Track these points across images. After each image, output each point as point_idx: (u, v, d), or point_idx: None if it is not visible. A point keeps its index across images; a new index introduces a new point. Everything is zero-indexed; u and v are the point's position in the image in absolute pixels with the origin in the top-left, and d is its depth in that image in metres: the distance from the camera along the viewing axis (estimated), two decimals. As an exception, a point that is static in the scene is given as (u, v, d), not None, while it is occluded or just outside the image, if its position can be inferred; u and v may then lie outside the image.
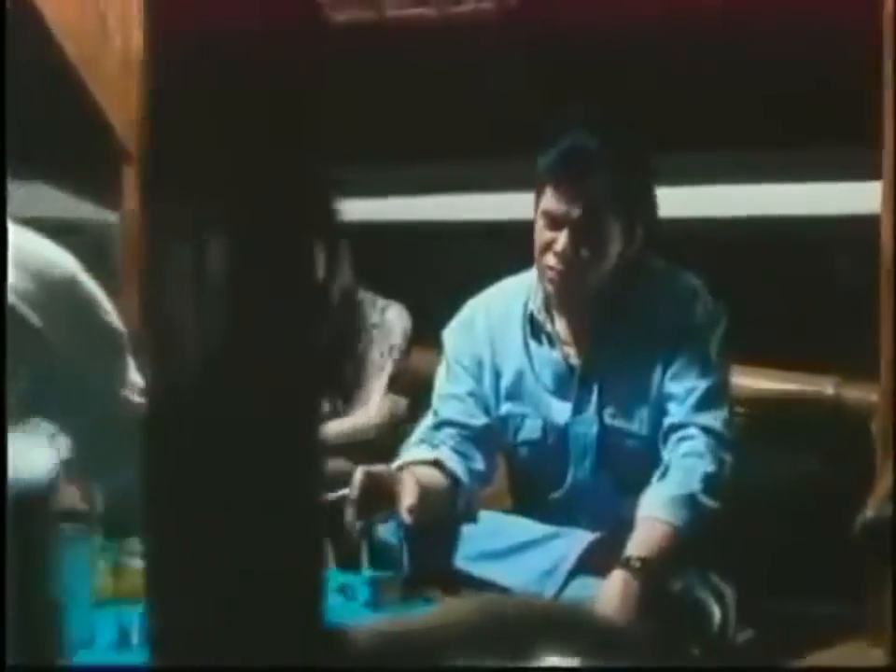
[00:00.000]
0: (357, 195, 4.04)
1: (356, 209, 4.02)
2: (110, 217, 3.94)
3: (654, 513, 2.58)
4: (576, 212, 2.68)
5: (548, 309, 2.82)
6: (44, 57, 3.52)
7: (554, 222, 2.70)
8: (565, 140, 2.73)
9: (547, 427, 2.82)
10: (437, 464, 2.74)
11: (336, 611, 2.34)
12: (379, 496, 2.53)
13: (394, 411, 3.25)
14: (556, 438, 2.81)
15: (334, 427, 3.28)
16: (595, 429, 2.78)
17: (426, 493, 2.65)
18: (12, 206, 3.99)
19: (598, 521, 2.70)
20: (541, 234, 2.72)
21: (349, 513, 2.48)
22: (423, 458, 2.76)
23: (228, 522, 0.98)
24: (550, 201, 2.70)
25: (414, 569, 2.67)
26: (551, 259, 2.71)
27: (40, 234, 3.62)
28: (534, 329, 2.83)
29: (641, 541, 2.55)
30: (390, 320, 3.35)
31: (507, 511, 2.89)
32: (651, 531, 2.57)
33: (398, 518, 2.54)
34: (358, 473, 2.53)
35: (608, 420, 2.78)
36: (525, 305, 2.85)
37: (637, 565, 2.50)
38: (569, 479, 2.83)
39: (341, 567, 2.55)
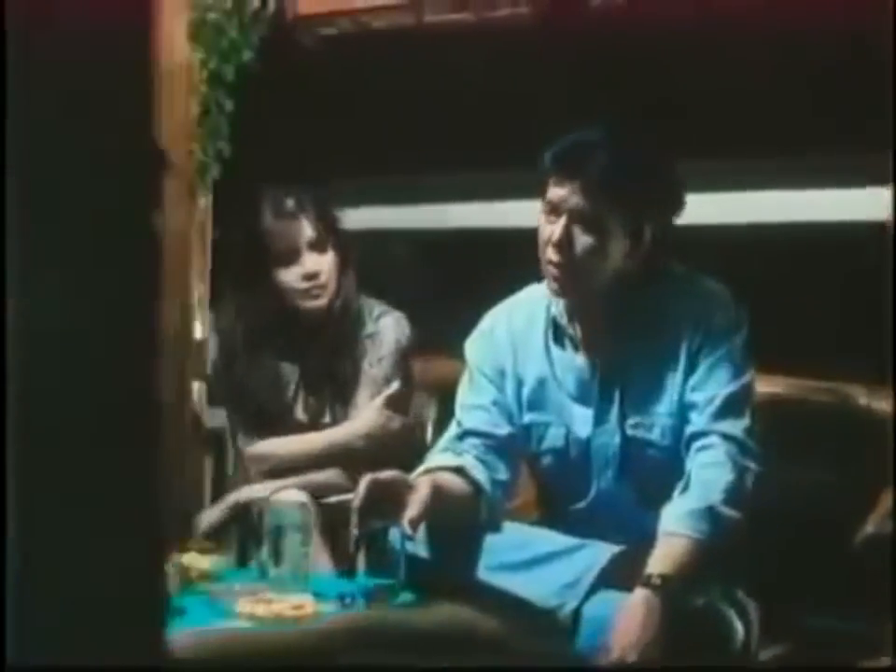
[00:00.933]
0: (389, 202, 4.05)
1: (382, 216, 4.09)
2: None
3: (674, 528, 2.54)
4: (573, 200, 2.65)
5: (570, 313, 2.79)
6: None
7: (553, 211, 2.67)
8: (568, 135, 2.71)
9: (570, 435, 2.79)
10: (460, 471, 2.72)
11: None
12: (383, 505, 2.50)
13: (385, 423, 3.20)
14: (579, 447, 2.79)
15: (320, 437, 3.25)
16: (617, 440, 2.75)
17: (446, 500, 2.64)
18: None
19: (623, 533, 2.66)
20: (543, 230, 2.70)
21: (352, 521, 2.46)
22: (446, 465, 2.74)
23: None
24: (550, 191, 2.68)
25: (435, 578, 2.67)
26: (550, 252, 2.68)
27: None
28: (556, 333, 2.81)
29: (662, 558, 2.51)
30: (383, 330, 3.29)
31: (533, 523, 2.86)
32: (672, 546, 2.53)
33: (399, 528, 2.51)
34: (364, 481, 2.52)
35: (630, 430, 2.74)
36: (548, 309, 2.83)
37: (658, 582, 2.47)
38: (592, 490, 2.80)
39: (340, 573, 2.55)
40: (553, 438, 2.81)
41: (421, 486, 2.54)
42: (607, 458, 2.77)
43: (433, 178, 3.85)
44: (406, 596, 2.52)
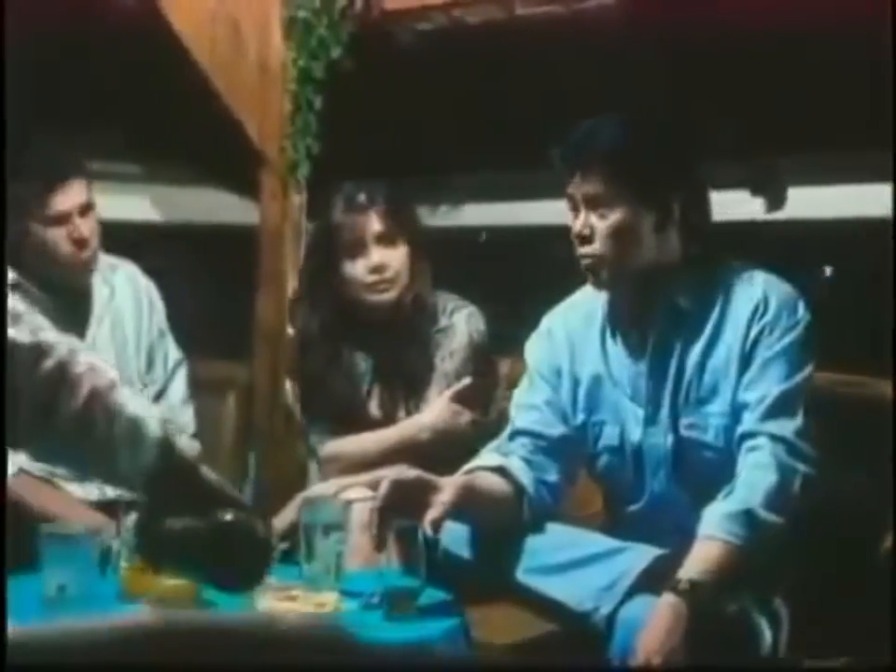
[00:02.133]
0: (484, 198, 4.02)
1: (473, 212, 4.07)
2: (250, 219, 4.00)
3: (711, 531, 2.47)
4: (584, 188, 2.63)
5: (622, 309, 2.73)
6: (172, 64, 3.60)
7: (574, 206, 2.65)
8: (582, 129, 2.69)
9: (624, 435, 2.73)
10: (501, 471, 2.69)
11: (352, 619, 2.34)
12: (406, 505, 2.47)
13: (452, 418, 3.17)
14: (632, 448, 2.73)
15: (389, 434, 3.24)
16: (669, 440, 2.68)
17: (484, 500, 2.62)
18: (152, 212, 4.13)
19: (679, 536, 2.59)
20: (572, 227, 2.65)
21: (372, 521, 2.44)
22: (488, 465, 2.72)
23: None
24: (569, 187, 2.64)
25: (473, 579, 2.64)
26: (578, 246, 2.63)
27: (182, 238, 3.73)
28: (611, 330, 2.75)
29: (694, 562, 2.45)
30: (455, 324, 3.27)
31: (598, 526, 2.81)
32: (706, 551, 2.46)
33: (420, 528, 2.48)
34: (385, 483, 2.50)
35: (683, 431, 2.67)
36: (604, 307, 2.77)
37: (686, 587, 2.40)
38: (646, 492, 2.73)
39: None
40: (608, 437, 2.76)
41: (446, 487, 2.50)
42: (658, 459, 2.70)
43: (530, 175, 3.81)
44: (431, 596, 2.49)
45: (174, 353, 3.59)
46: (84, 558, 2.25)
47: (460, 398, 3.19)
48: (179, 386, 3.59)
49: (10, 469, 3.20)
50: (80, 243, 3.26)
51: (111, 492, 3.34)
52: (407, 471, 2.55)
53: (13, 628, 1.14)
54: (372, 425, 3.29)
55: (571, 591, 2.55)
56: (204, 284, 4.03)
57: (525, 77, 3.64)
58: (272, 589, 2.49)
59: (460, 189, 3.96)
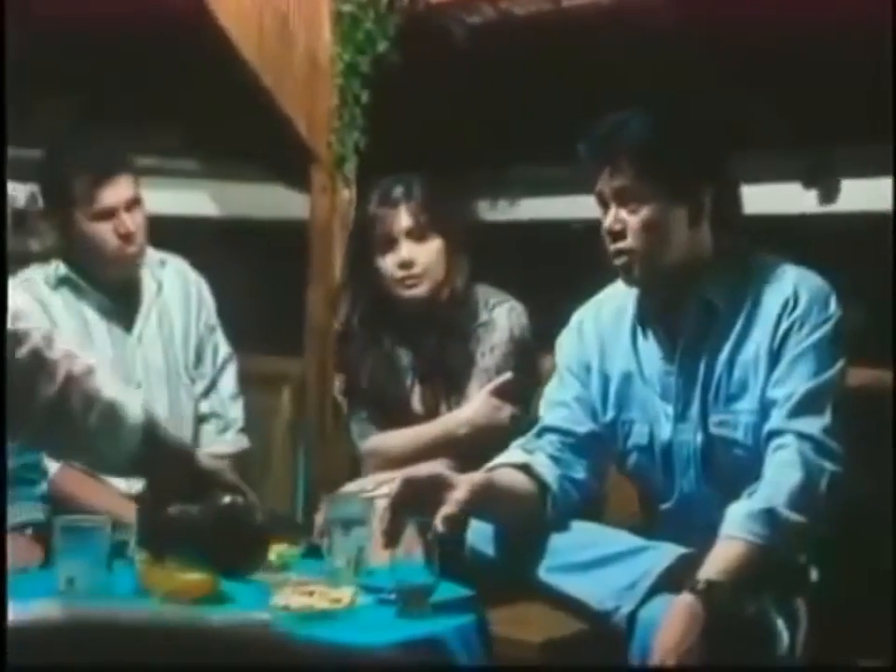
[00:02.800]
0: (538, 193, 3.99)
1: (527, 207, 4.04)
2: (300, 213, 4.01)
3: (732, 531, 2.43)
4: (612, 182, 2.59)
5: (651, 304, 2.69)
6: (222, 60, 3.62)
7: (603, 202, 2.61)
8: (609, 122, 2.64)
9: (653, 433, 2.69)
10: (525, 468, 2.67)
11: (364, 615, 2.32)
12: (419, 503, 2.45)
13: (491, 413, 3.14)
14: (661, 446, 2.69)
15: (427, 429, 3.22)
16: (698, 438, 2.64)
17: (505, 497, 2.60)
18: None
19: (709, 535, 2.54)
20: (603, 223, 2.61)
21: (384, 519, 2.43)
22: (511, 462, 2.70)
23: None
24: (598, 183, 2.61)
25: (497, 577, 2.62)
26: (609, 242, 2.60)
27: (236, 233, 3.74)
28: (642, 327, 2.71)
29: (714, 562, 2.41)
30: (496, 319, 3.24)
31: (633, 525, 2.76)
32: (726, 550, 2.42)
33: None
34: (397, 481, 2.48)
35: (713, 429, 2.63)
36: (635, 303, 2.73)
37: (703, 587, 2.36)
38: (676, 490, 2.69)
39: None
40: (638, 436, 2.73)
41: (461, 485, 2.48)
42: (688, 458, 2.66)
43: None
44: (449, 592, 2.48)
45: (223, 348, 3.61)
46: (95, 551, 2.26)
47: (500, 393, 3.17)
48: (229, 381, 3.62)
49: (56, 462, 3.24)
50: (126, 237, 3.28)
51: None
52: (421, 468, 2.54)
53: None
54: (415, 420, 3.28)
55: (592, 590, 2.53)
56: (261, 279, 4.04)
57: (572, 69, 3.60)
58: (291, 583, 2.51)
59: (510, 182, 3.93)
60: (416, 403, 3.31)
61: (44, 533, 2.92)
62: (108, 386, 2.07)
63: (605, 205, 2.63)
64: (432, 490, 2.47)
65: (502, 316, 3.25)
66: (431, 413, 3.28)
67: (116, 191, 3.26)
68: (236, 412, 3.61)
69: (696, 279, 2.63)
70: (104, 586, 2.25)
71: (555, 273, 3.86)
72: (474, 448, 3.06)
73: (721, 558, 2.40)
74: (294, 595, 2.42)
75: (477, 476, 2.57)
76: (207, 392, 3.58)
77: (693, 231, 2.62)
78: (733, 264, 2.65)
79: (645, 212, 2.58)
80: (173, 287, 3.50)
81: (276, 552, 2.69)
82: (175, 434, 2.33)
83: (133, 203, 3.29)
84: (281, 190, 4.17)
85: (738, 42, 3.34)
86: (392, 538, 2.41)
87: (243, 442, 3.61)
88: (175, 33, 3.59)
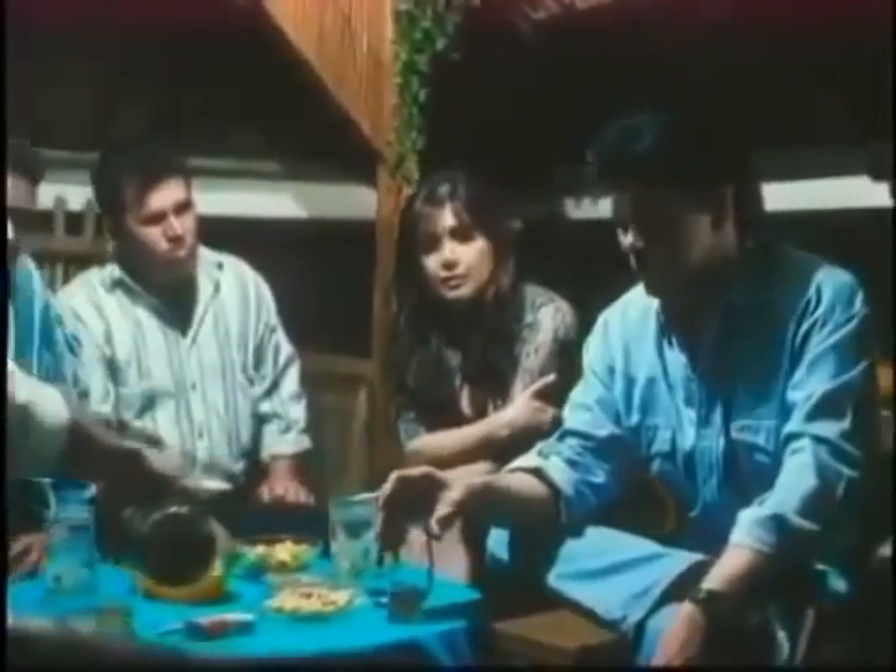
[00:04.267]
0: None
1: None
2: (368, 214, 4.00)
3: (739, 538, 2.34)
4: (631, 205, 2.47)
5: (673, 307, 2.61)
6: (279, 61, 3.63)
7: (620, 212, 2.51)
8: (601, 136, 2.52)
9: (675, 439, 2.61)
10: (537, 472, 2.61)
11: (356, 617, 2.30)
12: (413, 503, 2.41)
13: (533, 415, 3.08)
14: (684, 452, 2.60)
15: (470, 431, 3.17)
16: (721, 444, 2.54)
17: (513, 501, 2.56)
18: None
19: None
20: (623, 241, 2.53)
21: (378, 521, 2.40)
22: (524, 466, 2.65)
23: None
24: (613, 203, 2.52)
25: (506, 582, 2.58)
26: (633, 260, 2.51)
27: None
28: (665, 330, 2.62)
29: (718, 571, 2.33)
30: (540, 319, 3.17)
31: (664, 534, 2.69)
32: (733, 559, 2.33)
33: (426, 531, 2.42)
34: (391, 478, 2.44)
35: (735, 434, 2.53)
36: (661, 304, 2.65)
37: (704, 596, 2.28)
38: (700, 497, 2.60)
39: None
40: (661, 442, 2.64)
41: (456, 486, 2.44)
42: (710, 464, 2.57)
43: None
44: (450, 596, 2.45)
45: (285, 348, 3.62)
46: (81, 551, 2.28)
47: (542, 395, 3.11)
48: (291, 382, 3.63)
49: None
50: (175, 241, 3.31)
51: (210, 486, 3.42)
52: (415, 468, 2.49)
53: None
54: (464, 421, 3.24)
55: (601, 598, 2.46)
56: (340, 280, 4.04)
57: (631, 64, 3.52)
58: (293, 585, 2.50)
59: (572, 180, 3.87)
60: (465, 404, 3.27)
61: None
62: (24, 388, 2.08)
63: (623, 226, 2.54)
64: (425, 490, 2.42)
65: (547, 317, 3.19)
66: (480, 415, 3.24)
67: (165, 195, 3.29)
68: (298, 412, 3.62)
69: (721, 282, 2.53)
70: (88, 585, 2.26)
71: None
72: (516, 450, 3.00)
73: (726, 566, 2.32)
74: (291, 597, 2.41)
75: (472, 479, 2.52)
76: (269, 393, 3.59)
77: (717, 234, 2.51)
78: (758, 264, 2.54)
79: (666, 227, 2.47)
80: (230, 288, 3.52)
81: (291, 552, 2.70)
82: (115, 436, 2.35)
83: (183, 207, 3.32)
84: (357, 190, 4.16)
85: (802, 36, 3.22)
86: (387, 537, 2.38)
87: (304, 443, 3.61)
88: (240, 35, 3.61)
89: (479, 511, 2.51)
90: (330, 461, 3.91)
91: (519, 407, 3.13)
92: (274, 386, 3.61)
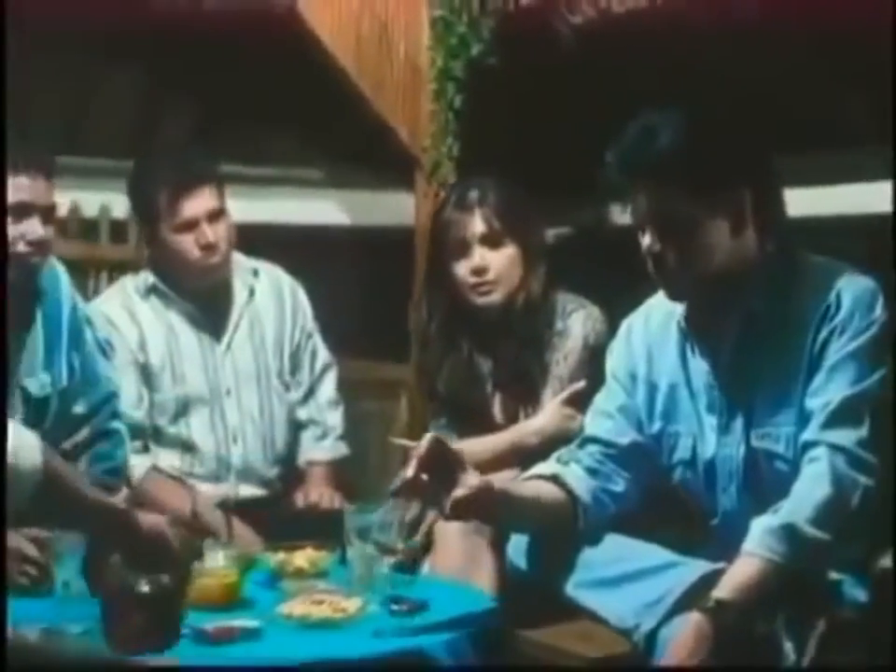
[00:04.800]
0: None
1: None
2: (407, 220, 4.00)
3: (750, 547, 2.31)
4: (647, 201, 2.45)
5: (695, 313, 2.57)
6: (317, 69, 3.64)
7: (640, 221, 2.48)
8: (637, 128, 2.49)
9: (696, 447, 2.58)
10: (554, 479, 2.59)
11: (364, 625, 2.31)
12: (441, 465, 2.40)
13: (562, 422, 3.05)
14: (704, 460, 2.57)
15: (499, 438, 3.15)
16: (741, 451, 2.51)
17: (528, 507, 2.55)
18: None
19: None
20: (641, 243, 2.50)
21: (409, 468, 2.39)
22: (541, 473, 2.63)
23: None
24: (631, 207, 2.49)
25: (525, 591, 2.56)
26: (650, 264, 2.48)
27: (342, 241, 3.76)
28: (690, 335, 2.59)
29: (728, 580, 2.30)
30: (570, 326, 3.15)
31: (687, 541, 2.65)
32: (743, 568, 2.31)
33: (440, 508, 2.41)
34: (428, 436, 2.44)
35: (755, 442, 2.50)
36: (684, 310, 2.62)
37: (713, 606, 2.25)
38: (720, 506, 2.57)
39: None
40: (683, 449, 2.61)
41: (472, 473, 2.42)
42: (730, 472, 2.54)
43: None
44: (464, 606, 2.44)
45: (322, 354, 3.63)
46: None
47: (572, 402, 3.09)
48: (328, 388, 3.64)
49: (144, 466, 3.31)
50: (207, 248, 3.33)
51: (244, 491, 3.44)
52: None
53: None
54: (496, 428, 3.23)
55: (614, 607, 2.45)
56: (381, 285, 4.05)
57: (666, 67, 3.49)
58: (306, 592, 2.50)
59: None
60: (497, 411, 3.26)
61: None
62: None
63: (641, 229, 2.51)
64: (452, 465, 2.41)
65: (577, 323, 3.17)
66: (511, 422, 3.22)
67: (198, 202, 3.31)
68: (335, 419, 3.63)
69: (741, 287, 2.50)
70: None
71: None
72: (546, 457, 2.98)
73: (736, 576, 2.30)
74: (302, 604, 2.41)
75: (485, 477, 2.50)
76: (306, 399, 3.60)
77: (737, 239, 2.47)
78: (778, 270, 2.50)
79: (682, 229, 2.44)
80: (265, 294, 3.53)
81: (309, 559, 2.70)
82: (98, 491, 2.38)
83: (216, 214, 3.33)
84: (396, 196, 4.17)
85: (827, 37, 3.18)
86: (411, 489, 2.39)
87: (341, 449, 3.62)
88: (278, 43, 3.63)
89: (494, 512, 2.48)
90: (372, 467, 3.91)
91: (549, 414, 3.12)
92: (311, 392, 3.62)
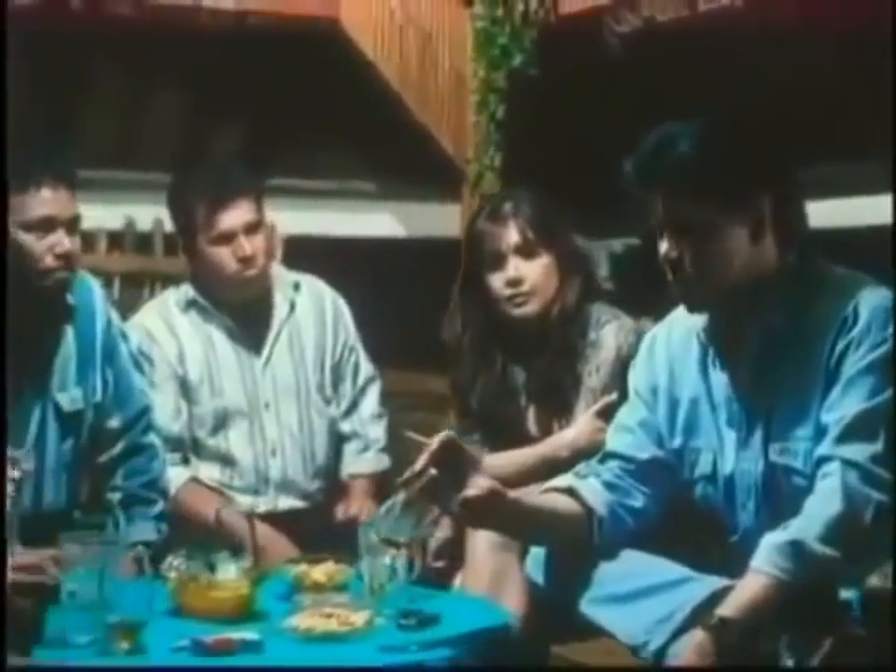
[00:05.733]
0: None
1: None
2: (453, 232, 3.99)
3: (757, 564, 2.27)
4: (666, 208, 2.41)
5: (715, 326, 2.53)
6: (358, 81, 3.64)
7: (659, 227, 2.44)
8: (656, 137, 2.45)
9: (717, 462, 2.53)
10: (570, 492, 2.56)
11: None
12: (454, 464, 2.40)
13: (595, 435, 3.00)
14: (725, 476, 2.52)
15: (530, 452, 3.12)
16: (760, 467, 2.46)
17: (541, 520, 2.52)
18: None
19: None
20: (659, 251, 2.46)
21: (420, 461, 2.40)
22: (556, 485, 2.60)
23: None
24: (651, 212, 2.44)
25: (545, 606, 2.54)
26: (668, 271, 2.44)
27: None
28: (710, 348, 2.55)
29: (734, 597, 2.26)
30: (603, 337, 3.11)
31: (706, 559, 2.61)
32: (750, 585, 2.26)
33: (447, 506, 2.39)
34: (443, 434, 2.45)
35: (773, 456, 2.44)
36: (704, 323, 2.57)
37: (716, 623, 2.21)
38: (739, 522, 2.52)
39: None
40: (704, 464, 2.56)
41: (485, 477, 2.41)
42: (749, 487, 2.48)
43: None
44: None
45: (365, 368, 3.62)
46: (99, 566, 2.31)
47: (604, 414, 3.05)
48: (370, 402, 3.63)
49: (182, 477, 3.33)
50: (244, 261, 3.34)
51: (283, 503, 3.45)
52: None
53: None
54: (530, 442, 3.19)
55: (624, 623, 2.41)
56: (432, 296, 4.04)
57: (709, 76, 3.44)
58: (317, 604, 2.49)
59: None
60: (531, 424, 3.23)
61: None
62: None
63: (659, 233, 2.47)
64: (465, 464, 2.41)
65: (610, 335, 3.13)
66: (546, 434, 3.19)
67: (235, 215, 3.32)
68: (377, 432, 3.62)
69: (760, 299, 2.45)
70: (103, 602, 2.29)
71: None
72: None
73: (741, 593, 2.26)
74: (310, 617, 2.41)
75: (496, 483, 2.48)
76: (349, 412, 3.60)
77: (756, 247, 2.43)
78: (797, 281, 2.45)
79: (703, 237, 2.40)
80: (306, 308, 3.53)
81: (327, 572, 2.69)
82: None
83: (254, 227, 3.34)
84: (444, 208, 4.16)
85: (863, 49, 3.12)
86: (419, 481, 2.38)
87: (383, 462, 3.60)
88: (320, 57, 3.65)
89: (503, 519, 2.46)
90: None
91: (580, 427, 3.08)
92: (354, 406, 3.61)
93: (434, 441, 2.42)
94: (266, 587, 2.64)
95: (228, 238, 3.33)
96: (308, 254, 3.58)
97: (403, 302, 4.00)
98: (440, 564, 3.20)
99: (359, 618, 2.40)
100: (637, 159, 2.45)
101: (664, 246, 2.44)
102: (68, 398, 3.01)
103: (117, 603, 2.29)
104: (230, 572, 2.55)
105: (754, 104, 2.94)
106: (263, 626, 2.40)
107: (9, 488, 2.59)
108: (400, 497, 2.44)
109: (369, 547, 2.53)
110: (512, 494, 2.48)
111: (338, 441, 3.58)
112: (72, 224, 2.92)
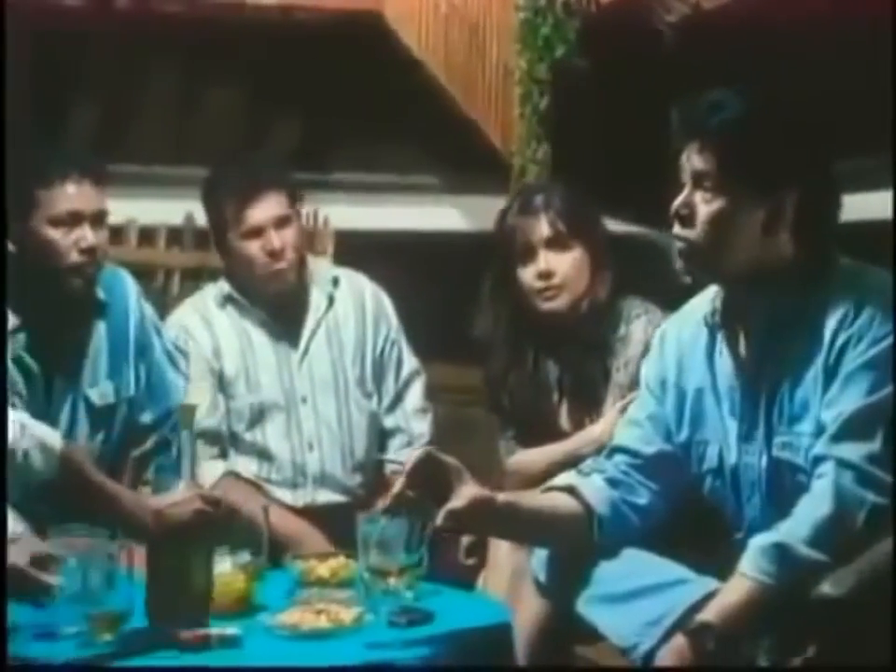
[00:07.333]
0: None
1: None
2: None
3: (742, 567, 2.20)
4: (694, 161, 2.35)
5: (722, 312, 2.46)
6: (404, 75, 3.62)
7: (682, 177, 2.38)
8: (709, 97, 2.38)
9: (722, 454, 2.46)
10: (570, 491, 2.51)
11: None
12: (434, 480, 2.35)
13: None
14: (731, 468, 2.45)
15: (558, 448, 3.06)
16: (763, 461, 2.39)
17: (540, 519, 2.47)
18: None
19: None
20: (674, 202, 2.40)
21: (396, 484, 2.36)
22: (557, 484, 2.54)
23: None
24: (682, 156, 2.38)
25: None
26: (675, 225, 2.38)
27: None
28: (717, 339, 2.48)
29: (717, 601, 2.20)
30: (632, 332, 3.05)
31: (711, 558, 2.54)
32: (733, 588, 2.19)
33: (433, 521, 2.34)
34: (421, 451, 2.41)
35: (776, 451, 2.37)
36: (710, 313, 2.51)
37: (695, 628, 2.15)
38: (745, 518, 2.45)
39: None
40: (710, 458, 2.49)
41: (471, 484, 2.36)
42: (752, 482, 2.42)
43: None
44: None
45: (409, 362, 3.60)
46: (88, 560, 2.32)
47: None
48: (414, 396, 3.60)
49: (219, 471, 3.35)
50: (273, 255, 3.33)
51: (322, 497, 3.44)
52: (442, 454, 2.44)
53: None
54: (564, 437, 3.15)
55: (617, 624, 2.36)
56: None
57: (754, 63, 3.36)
58: (308, 601, 2.48)
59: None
60: (564, 420, 3.18)
61: None
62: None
63: (682, 181, 2.41)
64: (448, 477, 2.36)
65: (638, 330, 3.07)
66: (578, 431, 3.14)
67: (264, 209, 3.32)
68: (422, 426, 3.59)
69: (770, 290, 2.38)
70: (90, 595, 2.30)
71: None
72: None
73: (723, 597, 2.20)
74: (298, 613, 2.40)
75: (485, 490, 2.44)
76: (392, 407, 3.58)
77: (768, 237, 2.36)
78: (809, 275, 2.37)
79: (718, 203, 2.34)
80: (345, 302, 3.51)
81: (331, 568, 2.68)
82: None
83: (284, 221, 3.34)
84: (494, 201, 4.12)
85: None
86: (399, 505, 2.35)
87: (427, 456, 3.57)
88: (365, 50, 3.64)
89: (494, 524, 2.44)
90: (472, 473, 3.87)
91: (606, 423, 3.02)
92: (398, 400, 3.59)
93: (407, 463, 2.39)
94: (273, 582, 2.64)
95: (257, 232, 3.33)
96: (360, 248, 3.56)
97: (450, 296, 3.96)
98: (470, 561, 3.19)
99: (349, 615, 2.38)
100: (686, 107, 2.41)
101: (680, 198, 2.39)
102: (98, 392, 3.05)
103: (103, 595, 2.30)
104: (225, 567, 2.55)
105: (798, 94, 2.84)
106: (248, 622, 2.39)
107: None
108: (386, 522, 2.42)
109: (368, 543, 2.50)
110: (508, 496, 2.45)
111: (380, 435, 3.57)
112: (97, 218, 2.95)
